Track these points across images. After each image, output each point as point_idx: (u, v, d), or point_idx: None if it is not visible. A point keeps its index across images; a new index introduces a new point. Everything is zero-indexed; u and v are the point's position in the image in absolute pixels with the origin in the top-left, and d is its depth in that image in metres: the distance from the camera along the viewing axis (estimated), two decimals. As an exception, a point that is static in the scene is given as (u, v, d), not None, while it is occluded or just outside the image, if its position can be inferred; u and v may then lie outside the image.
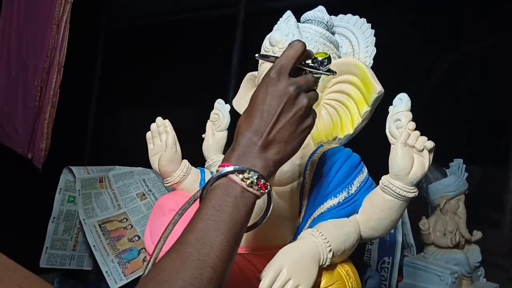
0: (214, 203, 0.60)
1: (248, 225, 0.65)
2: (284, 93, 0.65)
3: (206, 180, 0.81)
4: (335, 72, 0.74)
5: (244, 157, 0.64)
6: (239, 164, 0.63)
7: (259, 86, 0.67)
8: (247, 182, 0.62)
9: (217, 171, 0.63)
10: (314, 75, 0.70)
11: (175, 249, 0.58)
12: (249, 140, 0.64)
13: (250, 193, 0.62)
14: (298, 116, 0.67)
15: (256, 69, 0.98)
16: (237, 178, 0.61)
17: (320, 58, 0.71)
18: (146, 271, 0.59)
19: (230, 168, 0.62)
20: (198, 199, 0.65)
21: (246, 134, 0.65)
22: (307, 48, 0.69)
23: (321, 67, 0.71)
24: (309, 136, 0.92)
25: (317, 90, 0.90)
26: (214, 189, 0.62)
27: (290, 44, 0.68)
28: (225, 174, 0.62)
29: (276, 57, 0.68)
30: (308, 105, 0.68)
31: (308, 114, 0.69)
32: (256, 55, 0.74)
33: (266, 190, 0.64)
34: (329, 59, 0.71)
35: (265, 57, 0.74)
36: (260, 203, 0.66)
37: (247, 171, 0.62)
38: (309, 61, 0.71)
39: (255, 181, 0.62)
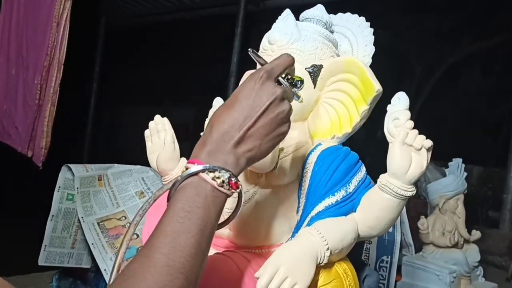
0: (184, 204, 0.58)
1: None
2: (273, 93, 0.66)
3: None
4: (302, 100, 0.80)
5: (216, 153, 0.62)
6: (210, 161, 0.61)
7: (246, 82, 0.67)
8: (218, 182, 0.60)
9: (186, 168, 0.61)
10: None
11: (142, 254, 0.55)
12: (224, 134, 0.63)
13: (220, 193, 0.60)
14: (279, 119, 0.67)
15: (254, 67, 0.98)
16: (207, 177, 0.59)
17: (295, 79, 0.76)
18: (112, 280, 0.55)
19: (201, 167, 0.60)
20: (166, 198, 0.62)
21: (221, 127, 0.63)
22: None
23: (294, 88, 0.75)
24: (308, 134, 0.92)
25: (316, 89, 0.91)
26: (184, 189, 0.60)
27: (281, 55, 0.70)
28: (196, 173, 0.60)
29: (266, 62, 0.70)
30: (289, 112, 0.69)
31: (287, 121, 0.69)
32: (249, 50, 0.74)
33: (238, 190, 0.63)
34: (302, 82, 0.74)
35: (257, 56, 0.74)
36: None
37: (219, 170, 0.60)
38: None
39: (226, 180, 0.60)
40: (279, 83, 0.71)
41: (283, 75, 0.72)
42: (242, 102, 0.64)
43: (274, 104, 0.66)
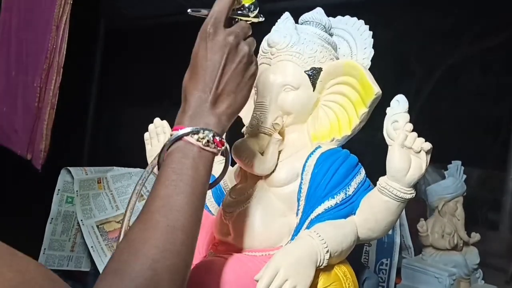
0: (174, 168, 0.60)
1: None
2: (225, 45, 0.65)
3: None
4: (262, 17, 0.75)
5: (197, 117, 0.63)
6: (192, 125, 0.63)
7: (197, 43, 0.67)
8: (203, 142, 0.62)
9: (171, 135, 0.63)
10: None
11: (141, 219, 0.57)
12: (199, 98, 0.64)
13: (207, 152, 0.63)
14: (242, 65, 0.67)
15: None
16: (192, 139, 0.61)
17: (246, 5, 0.73)
18: (118, 243, 0.59)
19: (185, 130, 0.62)
20: (156, 166, 0.64)
21: (194, 93, 0.65)
22: None
23: (249, 13, 0.72)
24: (307, 136, 0.92)
25: (315, 92, 0.91)
26: (172, 154, 0.62)
27: None
28: (180, 137, 0.62)
29: (208, 10, 0.68)
30: (249, 52, 0.68)
31: (252, 61, 0.70)
32: (188, 10, 0.73)
33: (223, 147, 0.65)
34: (255, 4, 0.73)
35: (197, 12, 0.73)
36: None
37: (202, 131, 0.62)
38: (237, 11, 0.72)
39: (211, 139, 0.62)
40: (231, 23, 0.70)
41: (234, 9, 0.71)
42: (202, 64, 0.65)
43: (231, 54, 0.66)
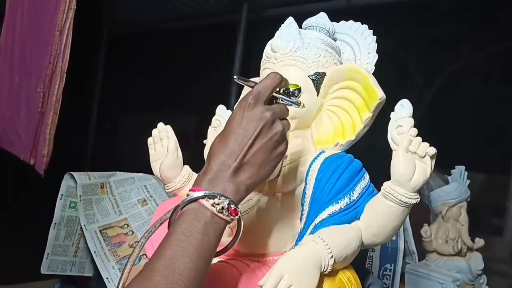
0: (184, 229, 0.59)
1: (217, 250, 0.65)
2: (261, 118, 0.66)
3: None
4: (303, 105, 0.78)
5: (216, 181, 0.63)
6: (210, 188, 0.62)
7: (236, 110, 0.68)
8: (218, 208, 0.61)
9: (187, 195, 0.62)
10: (286, 105, 0.73)
11: (142, 276, 0.56)
12: (222, 164, 0.64)
13: (220, 219, 0.62)
14: (273, 141, 0.68)
15: (257, 75, 0.98)
16: (207, 203, 0.61)
17: (292, 89, 0.75)
18: None
19: (201, 193, 0.61)
20: (167, 222, 0.64)
21: (219, 157, 0.65)
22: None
23: (292, 97, 0.74)
24: (311, 141, 0.92)
25: (319, 97, 0.91)
26: (184, 214, 0.61)
27: (268, 74, 0.70)
28: (196, 199, 0.61)
29: (255, 83, 0.70)
30: (283, 132, 0.69)
31: (282, 140, 0.70)
32: (235, 77, 0.75)
33: (236, 217, 0.64)
34: (299, 90, 0.75)
35: (245, 81, 0.75)
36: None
37: (218, 197, 0.62)
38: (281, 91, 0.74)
39: (226, 206, 0.62)
40: (272, 101, 0.71)
41: (278, 90, 0.72)
42: (234, 131, 0.66)
43: (266, 129, 0.67)
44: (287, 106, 0.74)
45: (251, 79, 0.76)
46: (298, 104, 0.75)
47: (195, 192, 0.62)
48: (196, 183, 0.64)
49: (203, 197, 0.61)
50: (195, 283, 0.57)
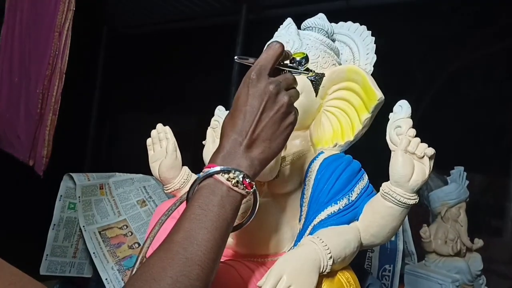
0: (201, 203, 0.61)
1: (234, 224, 0.66)
2: (265, 92, 0.67)
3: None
4: (313, 71, 0.77)
5: (230, 158, 0.65)
6: (224, 164, 0.64)
7: (240, 88, 0.68)
8: (233, 182, 0.63)
9: (203, 171, 0.64)
10: (293, 74, 0.73)
11: (162, 248, 0.59)
12: (234, 141, 0.66)
13: (236, 192, 0.63)
14: (280, 114, 0.68)
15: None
16: (222, 178, 0.63)
17: (298, 58, 0.74)
18: (134, 270, 0.60)
19: (216, 169, 0.63)
20: (185, 201, 0.65)
21: (230, 135, 0.66)
22: (301, 50, 0.70)
23: (299, 67, 0.73)
24: (310, 142, 0.92)
25: (318, 97, 0.91)
26: (201, 189, 0.63)
27: (268, 45, 0.70)
28: (211, 175, 0.63)
29: (255, 59, 0.70)
30: (289, 102, 0.69)
31: (290, 111, 0.70)
32: (236, 57, 0.75)
33: (252, 190, 0.65)
34: (306, 58, 0.74)
35: (244, 59, 0.75)
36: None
37: (233, 171, 0.63)
38: (287, 62, 0.73)
39: (241, 180, 0.63)
40: (278, 73, 0.71)
41: (283, 62, 0.72)
42: (242, 109, 0.67)
43: (270, 102, 0.67)
44: (295, 76, 0.73)
45: (250, 57, 0.75)
46: (306, 72, 0.74)
47: (210, 168, 0.63)
48: (210, 161, 0.66)
49: (218, 172, 0.63)
50: (212, 254, 0.59)
